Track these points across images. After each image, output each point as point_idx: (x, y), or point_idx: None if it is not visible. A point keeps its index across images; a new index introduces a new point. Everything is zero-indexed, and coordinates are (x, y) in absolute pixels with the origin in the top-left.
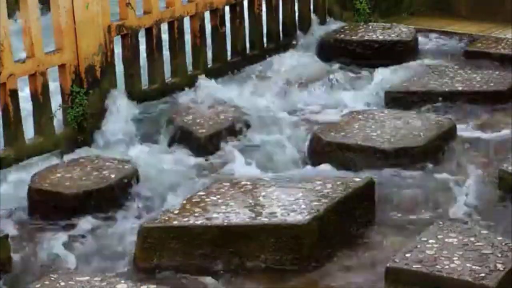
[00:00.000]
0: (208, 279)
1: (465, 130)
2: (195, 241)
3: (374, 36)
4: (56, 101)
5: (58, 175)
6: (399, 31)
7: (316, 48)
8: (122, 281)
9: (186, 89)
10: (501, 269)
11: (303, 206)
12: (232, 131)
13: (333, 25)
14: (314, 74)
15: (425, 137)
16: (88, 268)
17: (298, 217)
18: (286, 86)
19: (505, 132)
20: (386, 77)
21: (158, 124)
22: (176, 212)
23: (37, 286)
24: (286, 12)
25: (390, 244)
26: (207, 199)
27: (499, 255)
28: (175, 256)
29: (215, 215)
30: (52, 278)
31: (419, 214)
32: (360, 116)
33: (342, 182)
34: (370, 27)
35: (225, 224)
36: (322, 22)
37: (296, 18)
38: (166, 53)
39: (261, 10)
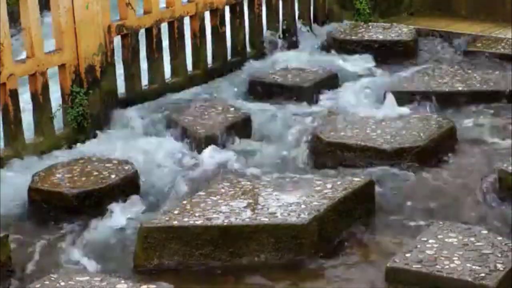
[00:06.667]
0: (208, 279)
1: (464, 130)
2: (195, 241)
3: (374, 36)
4: (56, 101)
5: (58, 175)
6: (399, 31)
7: (316, 48)
8: (122, 281)
9: (187, 88)
10: (501, 269)
11: (303, 206)
12: (232, 131)
13: (333, 25)
14: (313, 74)
15: (425, 137)
16: (88, 268)
17: (298, 217)
18: (286, 86)
19: (504, 132)
20: (386, 77)
21: (158, 124)
22: (176, 212)
23: (37, 286)
24: (286, 12)
25: (390, 244)
26: (207, 199)
27: (499, 255)
28: (175, 256)
29: (215, 215)
30: (52, 278)
31: (419, 214)
32: (360, 116)
33: (342, 182)
34: (370, 27)
35: (225, 224)
36: (322, 22)
37: (296, 18)
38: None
39: (261, 10)
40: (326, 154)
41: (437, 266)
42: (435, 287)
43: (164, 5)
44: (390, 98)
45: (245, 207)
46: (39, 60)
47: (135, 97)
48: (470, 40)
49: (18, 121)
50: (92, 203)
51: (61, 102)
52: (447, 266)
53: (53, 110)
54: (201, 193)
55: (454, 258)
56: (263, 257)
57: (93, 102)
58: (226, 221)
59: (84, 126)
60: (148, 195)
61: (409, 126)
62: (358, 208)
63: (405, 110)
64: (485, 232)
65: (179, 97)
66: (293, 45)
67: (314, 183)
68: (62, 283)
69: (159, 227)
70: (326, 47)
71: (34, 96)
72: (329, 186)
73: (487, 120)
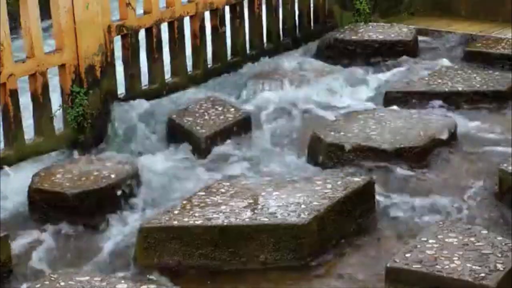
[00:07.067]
0: (208, 279)
1: (465, 130)
2: (195, 241)
3: (374, 36)
4: (56, 101)
5: (58, 175)
6: (399, 31)
7: (316, 48)
8: (122, 281)
9: (187, 89)
10: (501, 269)
11: (303, 206)
12: (232, 131)
13: (333, 25)
14: (314, 74)
15: (425, 137)
16: (88, 268)
17: (298, 217)
18: (286, 86)
19: (505, 132)
20: (386, 77)
21: (157, 124)
22: (176, 212)
23: (37, 286)
24: (286, 12)
25: (390, 244)
26: (207, 199)
27: (499, 255)
28: (175, 256)
29: (215, 215)
30: (52, 278)
31: (419, 214)
32: (360, 116)
33: (342, 182)
34: (370, 27)
35: (225, 224)
36: (322, 22)
37: (296, 18)
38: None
39: (261, 10)
40: (326, 154)
41: (437, 266)
42: (435, 287)
43: (164, 5)
44: (390, 98)
45: (245, 207)
46: (39, 60)
47: (135, 97)
48: (470, 40)
49: (18, 121)
50: (92, 203)
51: (61, 102)
52: (447, 266)
53: (53, 110)
54: (201, 193)
55: (454, 258)
56: (263, 257)
57: (93, 102)
58: (226, 221)
59: (84, 126)
60: (148, 195)
61: (409, 126)
62: (358, 208)
63: (405, 110)
64: (485, 232)
65: (179, 97)
66: (292, 45)
67: (314, 183)
68: (62, 283)
69: (159, 227)
70: (325, 47)
71: (34, 96)
72: (329, 186)
73: (487, 120)
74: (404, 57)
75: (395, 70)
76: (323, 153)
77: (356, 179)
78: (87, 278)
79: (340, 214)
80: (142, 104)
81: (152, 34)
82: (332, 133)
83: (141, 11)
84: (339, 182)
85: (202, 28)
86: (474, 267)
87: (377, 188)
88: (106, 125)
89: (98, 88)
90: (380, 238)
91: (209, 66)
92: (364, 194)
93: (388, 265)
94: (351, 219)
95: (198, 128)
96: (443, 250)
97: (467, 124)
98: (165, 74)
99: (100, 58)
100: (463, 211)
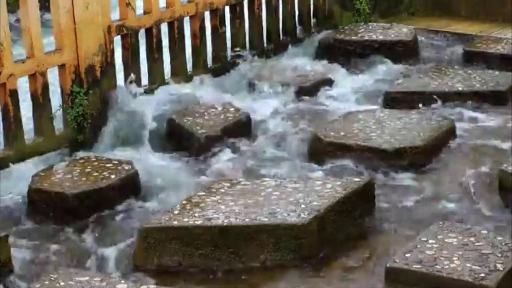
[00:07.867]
0: (208, 279)
1: (464, 130)
2: (195, 241)
3: (374, 36)
4: (56, 101)
5: (58, 175)
6: (399, 31)
7: (316, 48)
8: (122, 281)
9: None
10: (501, 269)
11: (303, 206)
12: (232, 131)
13: (333, 25)
14: (314, 74)
15: (425, 137)
16: (88, 268)
17: (298, 217)
18: (286, 87)
19: (504, 132)
20: (385, 77)
21: (157, 124)
22: (176, 212)
23: (37, 286)
24: (286, 12)
25: (390, 244)
26: (207, 199)
27: (499, 255)
28: (175, 256)
29: (215, 215)
30: (52, 278)
31: (419, 214)
32: (360, 116)
33: (342, 182)
34: (370, 27)
35: (225, 224)
36: (322, 22)
37: (296, 18)
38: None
39: (261, 10)
40: (326, 154)
41: (437, 266)
42: (435, 287)
43: (164, 5)
44: (390, 98)
45: (245, 207)
46: (39, 60)
47: (135, 97)
48: (470, 40)
49: (18, 121)
50: (92, 203)
51: (61, 102)
52: (447, 266)
53: (53, 110)
54: (201, 193)
55: (454, 258)
56: (263, 257)
57: (93, 102)
58: (226, 221)
59: (84, 126)
60: (148, 195)
61: (409, 126)
62: (358, 208)
63: (405, 110)
64: (485, 232)
65: (178, 97)
66: (292, 45)
67: (314, 183)
68: (62, 283)
69: (159, 227)
70: (325, 48)
71: (34, 96)
72: (329, 186)
73: (487, 120)
74: (404, 57)
75: (394, 70)
76: (324, 153)
77: (356, 179)
78: (87, 278)
79: (340, 214)
80: (142, 104)
81: (152, 34)
82: (332, 133)
83: (141, 11)
84: (339, 182)
85: (202, 28)
86: (474, 267)
87: (377, 188)
88: (106, 125)
89: (98, 88)
90: (380, 238)
91: (208, 66)
92: (364, 194)
93: (388, 265)
94: (351, 219)
95: (198, 128)
96: (443, 250)
97: (466, 124)
98: (165, 74)
99: (100, 58)
100: (463, 211)
